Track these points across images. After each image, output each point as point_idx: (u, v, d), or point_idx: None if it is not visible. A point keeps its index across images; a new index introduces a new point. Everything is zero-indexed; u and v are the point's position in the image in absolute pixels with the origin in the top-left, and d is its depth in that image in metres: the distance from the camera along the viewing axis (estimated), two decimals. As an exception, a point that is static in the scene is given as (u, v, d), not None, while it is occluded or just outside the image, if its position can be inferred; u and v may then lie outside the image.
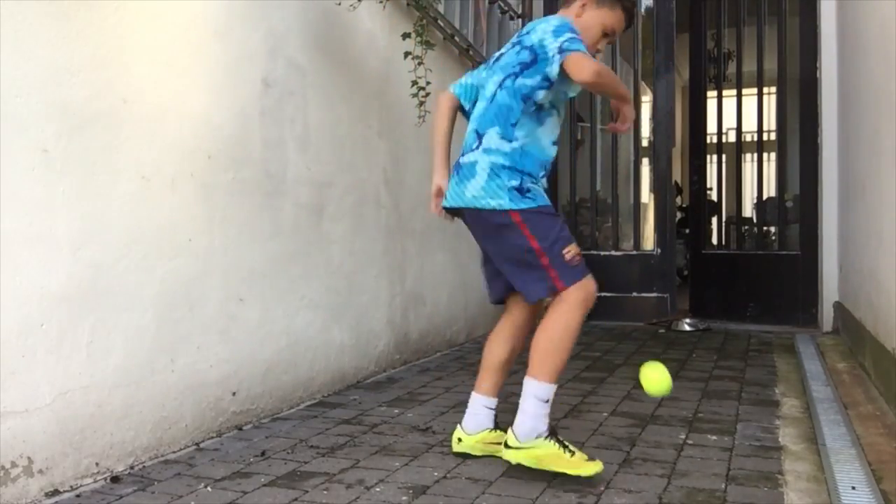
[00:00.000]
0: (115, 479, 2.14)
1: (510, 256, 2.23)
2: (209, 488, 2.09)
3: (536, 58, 2.17)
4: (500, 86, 2.25)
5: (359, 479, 2.16)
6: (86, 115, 2.08)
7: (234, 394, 2.67)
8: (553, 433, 2.18)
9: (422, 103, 3.30)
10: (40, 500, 1.95)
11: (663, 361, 3.93)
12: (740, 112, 5.74)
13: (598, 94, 2.44)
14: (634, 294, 5.61)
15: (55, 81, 2.00)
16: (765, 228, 6.12)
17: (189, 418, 2.47)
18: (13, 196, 1.89)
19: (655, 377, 2.20)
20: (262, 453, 2.40)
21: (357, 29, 3.45)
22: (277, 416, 2.86)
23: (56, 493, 2.00)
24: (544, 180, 2.30)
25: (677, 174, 8.55)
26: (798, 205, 5.52)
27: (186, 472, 2.23)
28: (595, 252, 5.74)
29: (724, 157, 6.04)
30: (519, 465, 2.21)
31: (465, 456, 2.35)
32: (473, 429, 2.36)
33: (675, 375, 3.59)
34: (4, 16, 1.87)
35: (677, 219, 6.80)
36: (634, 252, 5.74)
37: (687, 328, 5.20)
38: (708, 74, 6.00)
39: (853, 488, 2.04)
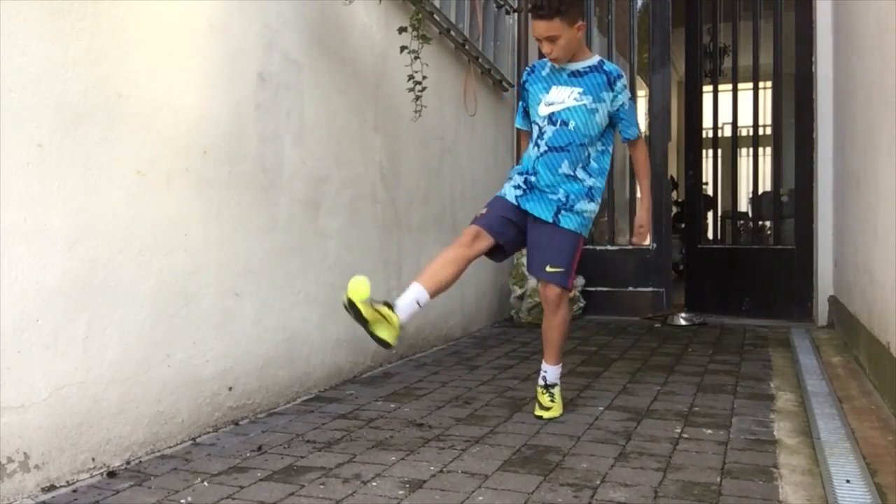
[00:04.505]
0: (112, 474, 2.14)
1: None
2: (206, 483, 2.10)
3: None
4: None
5: (355, 474, 2.16)
6: (81, 111, 2.08)
7: (230, 389, 2.67)
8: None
9: (418, 98, 3.30)
10: (36, 496, 1.95)
11: (659, 356, 3.96)
12: (736, 107, 5.75)
13: None
14: (630, 289, 5.62)
15: (50, 77, 1.99)
16: (760, 223, 6.14)
17: (185, 413, 2.47)
18: (8, 191, 1.89)
19: (355, 287, 2.47)
20: (259, 448, 2.40)
21: (353, 23, 3.45)
22: (274, 411, 2.86)
23: (52, 488, 2.00)
24: (534, 177, 2.74)
25: (673, 169, 8.55)
26: (793, 199, 5.53)
27: (183, 467, 2.23)
28: (591, 247, 5.73)
29: (719, 151, 6.05)
30: (513, 460, 2.25)
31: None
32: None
33: (670, 370, 3.61)
34: (0, 11, 1.86)
35: (673, 213, 6.81)
36: (630, 247, 5.74)
37: (682, 322, 5.21)
38: (704, 69, 6.00)
39: (848, 482, 2.05)
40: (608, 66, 2.77)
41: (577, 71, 2.74)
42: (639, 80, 6.36)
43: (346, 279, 3.44)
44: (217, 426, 2.61)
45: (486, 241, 2.69)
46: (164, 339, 2.37)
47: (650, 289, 5.58)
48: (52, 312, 2.01)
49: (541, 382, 2.83)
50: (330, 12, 3.26)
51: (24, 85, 1.92)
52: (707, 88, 5.97)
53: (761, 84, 5.67)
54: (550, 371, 2.82)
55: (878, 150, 3.21)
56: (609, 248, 5.72)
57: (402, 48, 3.25)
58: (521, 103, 2.92)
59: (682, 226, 7.05)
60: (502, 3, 5.23)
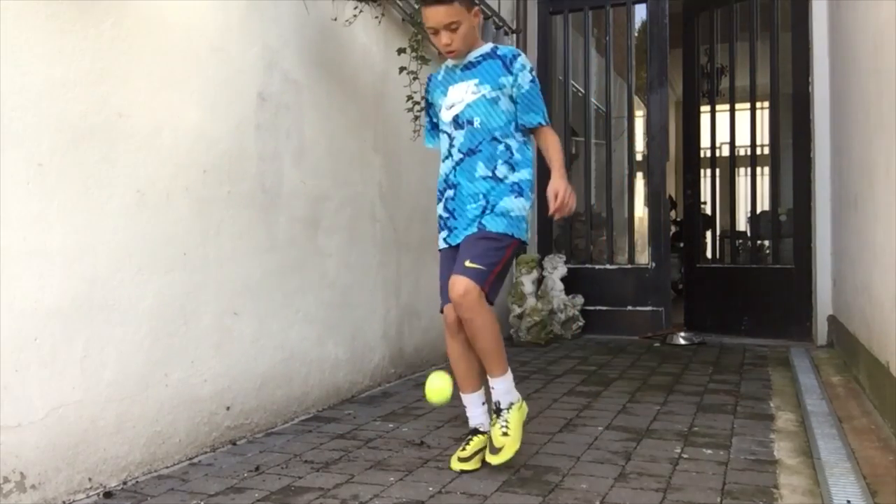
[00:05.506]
0: (108, 495, 2.13)
1: None
2: (203, 504, 2.08)
3: None
4: None
5: (353, 495, 2.15)
6: (81, 130, 2.09)
7: (228, 408, 2.66)
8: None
9: (416, 118, 3.32)
10: (32, 516, 1.94)
11: (659, 375, 3.95)
12: (733, 126, 5.77)
13: None
14: (629, 308, 5.61)
15: (51, 96, 2.00)
16: (759, 242, 6.13)
17: (183, 433, 2.46)
18: (8, 210, 1.89)
19: (438, 386, 2.36)
20: (257, 468, 2.39)
21: (353, 44, 3.47)
22: (272, 431, 2.85)
23: (48, 508, 1.98)
24: (450, 191, 2.50)
25: (671, 188, 8.58)
26: (791, 219, 5.53)
27: (180, 487, 2.22)
28: (590, 266, 5.74)
29: (717, 171, 6.06)
30: (512, 481, 2.24)
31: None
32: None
33: (670, 389, 3.60)
34: (2, 31, 1.87)
35: (672, 232, 6.82)
36: (629, 266, 5.75)
37: (682, 342, 5.20)
38: (701, 89, 6.03)
39: (848, 502, 2.04)
40: (502, 49, 2.50)
41: (470, 63, 2.48)
42: (637, 100, 6.39)
43: (346, 298, 3.46)
44: (214, 446, 2.60)
45: None
46: (162, 359, 2.37)
47: (649, 308, 5.57)
48: (51, 331, 2.00)
49: (493, 407, 2.41)
50: (330, 33, 3.28)
51: (25, 104, 1.93)
52: (704, 108, 6.00)
53: (758, 104, 5.70)
54: (498, 385, 2.39)
55: (875, 170, 3.23)
56: (608, 267, 5.73)
57: (401, 69, 3.27)
58: (427, 120, 2.68)
59: (681, 245, 7.05)
60: (501, 24, 5.27)
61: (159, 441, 2.36)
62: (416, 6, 3.36)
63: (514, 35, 5.53)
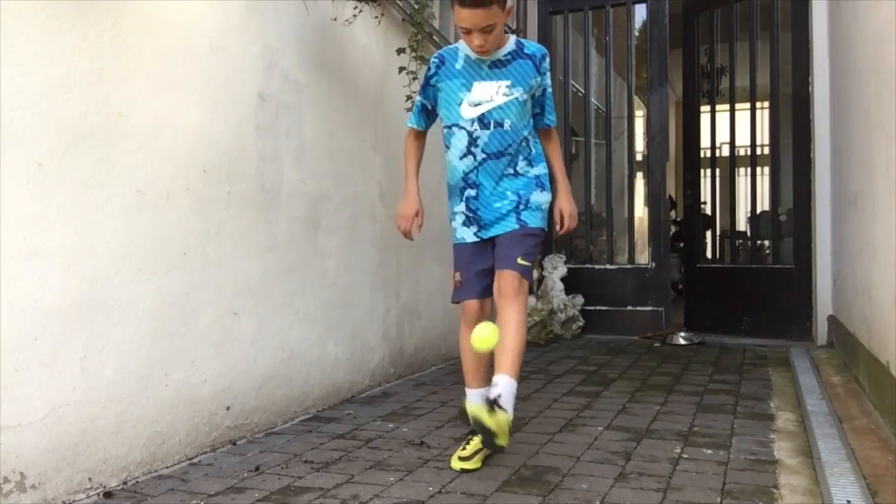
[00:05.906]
0: (108, 495, 2.13)
1: None
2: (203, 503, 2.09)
3: None
4: None
5: (353, 495, 2.15)
6: (81, 130, 2.09)
7: (228, 408, 2.66)
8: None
9: (417, 117, 3.31)
10: (32, 516, 1.94)
11: (659, 375, 3.95)
12: (733, 126, 5.77)
13: None
14: (629, 308, 5.62)
15: (51, 96, 2.00)
16: (759, 242, 6.14)
17: (183, 433, 2.46)
18: (8, 210, 1.89)
19: (484, 335, 2.22)
20: (256, 468, 2.39)
21: (352, 44, 3.47)
22: (272, 431, 2.85)
23: (48, 508, 1.98)
24: (470, 191, 2.52)
25: (671, 188, 8.58)
26: (791, 218, 5.53)
27: (180, 487, 2.22)
28: (590, 266, 5.75)
29: (717, 171, 6.07)
30: (512, 481, 2.23)
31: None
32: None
33: (670, 389, 3.60)
34: (2, 31, 1.87)
35: (672, 232, 6.82)
36: (629, 266, 5.75)
37: (682, 342, 5.20)
38: (701, 89, 6.03)
39: (848, 502, 2.04)
40: (528, 46, 2.48)
41: (499, 60, 2.42)
42: (637, 101, 6.39)
43: (346, 298, 3.46)
44: (214, 446, 2.60)
45: (485, 306, 2.51)
46: (162, 359, 2.37)
47: (649, 308, 5.57)
48: (51, 331, 2.00)
49: (491, 398, 2.17)
50: (329, 33, 3.28)
51: (25, 104, 1.93)
52: (704, 108, 6.00)
53: (758, 104, 5.70)
54: (508, 387, 2.22)
55: (874, 170, 3.23)
56: (608, 267, 5.73)
57: (401, 69, 3.27)
58: (420, 99, 2.58)
59: (681, 245, 7.05)
60: (501, 23, 5.27)
61: (159, 441, 2.36)
62: (416, 6, 3.36)
63: (514, 35, 5.52)
